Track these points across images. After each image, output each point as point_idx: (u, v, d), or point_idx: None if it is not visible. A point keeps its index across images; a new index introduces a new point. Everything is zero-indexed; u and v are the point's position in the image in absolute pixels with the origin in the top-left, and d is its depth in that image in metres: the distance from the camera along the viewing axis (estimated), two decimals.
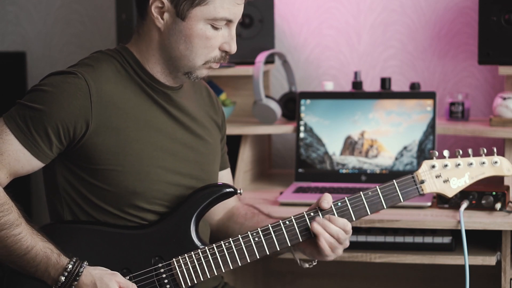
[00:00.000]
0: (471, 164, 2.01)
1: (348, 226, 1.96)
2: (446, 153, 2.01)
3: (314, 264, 2.05)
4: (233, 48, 1.93)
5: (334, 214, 1.96)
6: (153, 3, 1.89)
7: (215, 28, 1.89)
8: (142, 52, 1.94)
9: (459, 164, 2.01)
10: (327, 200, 1.98)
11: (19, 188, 1.84)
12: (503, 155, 2.63)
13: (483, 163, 2.02)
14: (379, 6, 3.08)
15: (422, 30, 3.06)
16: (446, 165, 2.00)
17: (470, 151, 2.02)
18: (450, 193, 2.01)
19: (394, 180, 1.99)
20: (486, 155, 2.03)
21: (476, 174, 2.02)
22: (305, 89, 3.11)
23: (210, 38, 1.89)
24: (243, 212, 2.14)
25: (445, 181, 2.01)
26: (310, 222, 1.96)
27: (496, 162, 2.02)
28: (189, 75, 1.94)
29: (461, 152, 2.02)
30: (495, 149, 2.03)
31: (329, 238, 1.94)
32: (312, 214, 1.96)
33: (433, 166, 2.00)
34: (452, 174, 2.01)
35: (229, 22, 1.91)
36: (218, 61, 1.94)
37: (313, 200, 2.49)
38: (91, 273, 1.81)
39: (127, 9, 2.90)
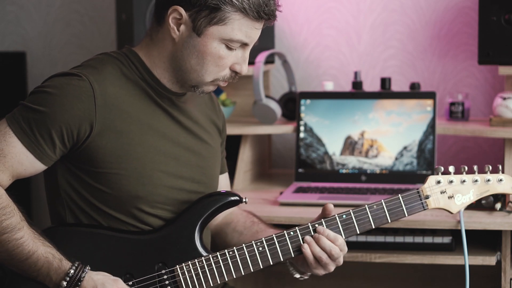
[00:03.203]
0: (476, 181, 2.00)
1: (339, 240, 1.93)
2: (451, 169, 2.00)
3: (306, 278, 2.02)
4: (244, 69, 1.92)
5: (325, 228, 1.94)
6: (171, 13, 1.87)
7: (229, 48, 1.88)
8: (152, 57, 1.93)
9: (464, 181, 2.00)
10: (329, 209, 1.96)
11: (19, 191, 1.83)
12: (503, 155, 2.63)
13: (488, 180, 2.01)
14: (379, 6, 3.08)
15: (422, 30, 3.06)
16: (451, 181, 1.99)
17: (475, 167, 2.01)
18: (454, 209, 2.00)
19: (399, 195, 1.98)
20: (491, 172, 2.02)
21: (481, 191, 2.01)
22: (305, 89, 3.11)
23: (222, 58, 1.88)
24: (243, 220, 2.13)
25: (450, 197, 1.99)
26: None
27: (501, 180, 2.01)
28: (195, 89, 1.94)
29: (466, 168, 2.01)
30: (500, 167, 2.03)
31: (318, 252, 1.91)
32: (316, 225, 1.94)
33: (439, 182, 1.99)
34: (457, 190, 2.00)
35: (244, 44, 1.90)
36: (227, 80, 1.93)
37: (313, 200, 2.51)
38: (93, 278, 1.81)
39: (127, 9, 2.89)
